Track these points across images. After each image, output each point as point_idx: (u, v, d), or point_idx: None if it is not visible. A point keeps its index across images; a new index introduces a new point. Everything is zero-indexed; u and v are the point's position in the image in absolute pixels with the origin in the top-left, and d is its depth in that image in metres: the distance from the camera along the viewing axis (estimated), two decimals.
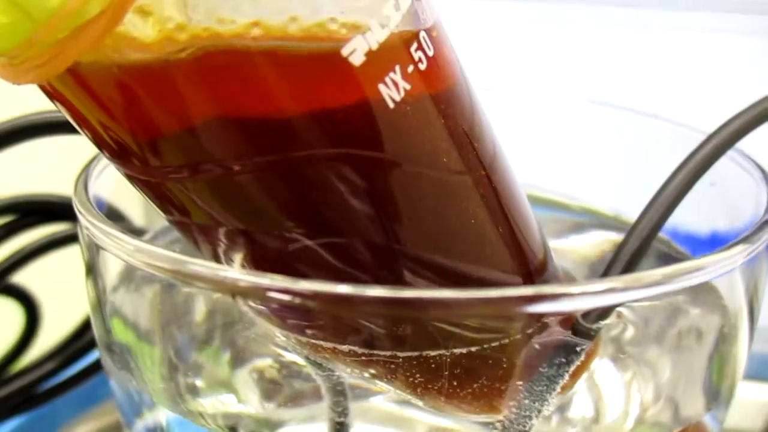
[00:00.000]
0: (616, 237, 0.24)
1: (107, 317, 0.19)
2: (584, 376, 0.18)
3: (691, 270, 0.14)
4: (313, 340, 0.16)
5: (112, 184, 0.20)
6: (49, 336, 0.29)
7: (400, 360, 0.16)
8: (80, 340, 0.29)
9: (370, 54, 0.13)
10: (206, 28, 0.12)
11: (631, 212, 0.24)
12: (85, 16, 0.11)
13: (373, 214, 0.14)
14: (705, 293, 0.17)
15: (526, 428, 0.16)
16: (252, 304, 0.16)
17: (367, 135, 0.13)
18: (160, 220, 0.24)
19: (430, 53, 0.14)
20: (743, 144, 0.19)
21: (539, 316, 0.15)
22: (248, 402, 0.19)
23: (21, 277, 0.27)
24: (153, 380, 0.19)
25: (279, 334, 0.18)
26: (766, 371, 0.31)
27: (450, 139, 0.15)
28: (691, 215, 0.20)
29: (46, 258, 0.27)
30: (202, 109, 0.13)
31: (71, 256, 0.27)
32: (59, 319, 0.29)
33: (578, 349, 0.16)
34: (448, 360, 0.16)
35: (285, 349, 0.19)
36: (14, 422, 0.29)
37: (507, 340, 0.16)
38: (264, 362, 0.20)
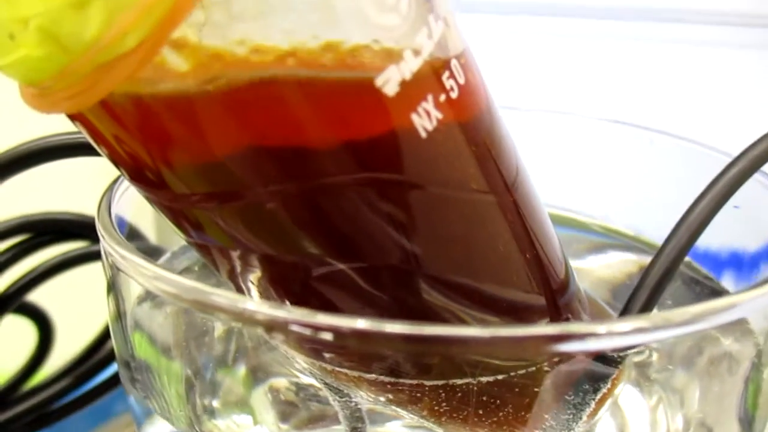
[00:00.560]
0: (636, 258, 0.24)
1: (128, 332, 0.18)
2: (609, 402, 0.18)
3: (725, 308, 0.14)
4: (337, 368, 0.16)
5: (134, 203, 0.20)
6: (62, 354, 0.29)
7: (427, 388, 0.16)
8: (93, 358, 0.29)
9: (403, 84, 0.13)
10: (241, 58, 0.11)
11: (650, 231, 0.24)
12: (122, 49, 0.11)
13: (402, 240, 0.14)
14: (736, 323, 0.16)
15: None
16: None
17: (398, 164, 0.13)
18: (174, 238, 0.24)
19: (461, 81, 0.14)
20: None
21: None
22: (264, 422, 0.19)
23: (34, 295, 0.27)
24: (171, 398, 0.19)
25: (300, 360, 0.18)
26: None
27: (479, 165, 0.15)
28: (710, 233, 0.20)
29: (59, 276, 0.27)
30: (235, 138, 0.12)
31: (85, 274, 0.27)
32: (72, 336, 0.29)
33: (605, 376, 0.16)
34: (475, 388, 0.16)
35: (303, 372, 0.19)
36: None
37: (534, 368, 0.16)
38: (281, 382, 0.20)
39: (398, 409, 0.17)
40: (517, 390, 0.16)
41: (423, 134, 0.13)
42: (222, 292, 0.14)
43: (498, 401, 0.16)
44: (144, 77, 0.11)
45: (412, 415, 0.17)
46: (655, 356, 0.18)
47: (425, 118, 0.13)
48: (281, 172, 0.13)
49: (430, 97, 0.13)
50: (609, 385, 0.17)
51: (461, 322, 0.16)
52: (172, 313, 0.18)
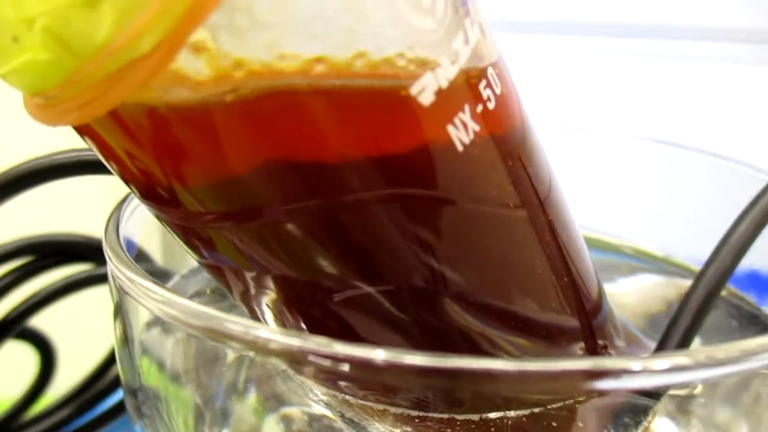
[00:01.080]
0: (667, 281, 0.23)
1: (135, 358, 0.17)
2: None
3: None
4: (360, 401, 0.15)
5: (142, 224, 0.19)
6: (65, 381, 0.28)
7: (458, 423, 0.15)
8: (96, 385, 0.28)
9: (439, 93, 0.12)
10: (266, 65, 0.10)
11: (680, 251, 0.23)
12: (136, 52, 0.10)
13: (434, 261, 0.13)
14: None
15: None
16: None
17: (432, 180, 0.12)
18: (183, 260, 0.23)
19: (498, 91, 0.13)
20: None
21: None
22: None
23: (35, 319, 0.26)
24: (179, 428, 0.18)
25: (318, 392, 0.17)
26: None
27: (515, 181, 0.14)
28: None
29: (62, 300, 0.26)
30: (257, 152, 0.11)
31: (88, 298, 0.26)
32: (75, 363, 0.28)
33: (646, 408, 0.15)
34: (510, 422, 0.15)
35: (317, 402, 0.18)
36: None
37: (572, 401, 0.15)
38: (294, 411, 0.19)
39: None
40: (554, 424, 0.15)
41: (459, 147, 0.12)
42: (236, 319, 0.13)
43: None
44: (159, 85, 0.10)
45: None
46: (699, 388, 0.17)
47: (462, 130, 0.12)
48: (304, 189, 0.12)
49: (467, 108, 0.12)
50: (650, 418, 0.16)
51: (492, 347, 0.15)
52: (182, 339, 0.17)
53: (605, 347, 0.17)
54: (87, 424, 0.27)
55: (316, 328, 0.15)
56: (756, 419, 0.16)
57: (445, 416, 0.15)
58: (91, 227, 0.24)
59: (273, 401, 0.19)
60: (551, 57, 0.36)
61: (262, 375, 0.19)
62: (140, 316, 0.17)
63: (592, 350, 0.17)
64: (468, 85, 0.12)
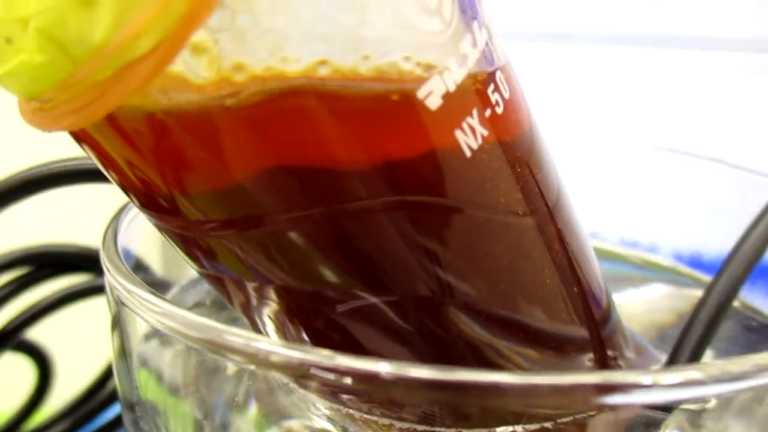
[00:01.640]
0: (674, 290, 0.22)
1: (133, 371, 0.17)
2: None
3: None
4: (365, 415, 0.15)
5: (141, 233, 0.19)
6: (62, 394, 0.28)
7: None
8: (94, 398, 0.27)
9: (447, 96, 0.11)
10: (268, 68, 0.10)
11: (688, 260, 0.22)
12: (134, 53, 0.09)
13: (441, 270, 0.13)
14: None
15: None
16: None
17: (439, 186, 0.12)
18: (182, 271, 0.23)
19: (507, 95, 0.13)
20: None
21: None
22: None
23: (32, 330, 0.26)
24: None
25: (321, 406, 0.17)
26: None
27: (524, 188, 0.13)
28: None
29: (60, 311, 0.26)
30: (257, 158, 0.11)
31: (86, 309, 0.26)
32: (73, 375, 0.28)
33: (658, 422, 0.15)
34: None
35: (319, 416, 0.18)
36: None
37: (583, 415, 0.14)
38: (294, 424, 0.18)
39: None
40: None
41: (467, 153, 0.12)
42: (236, 331, 0.13)
43: None
44: (157, 88, 0.10)
45: None
46: (712, 402, 0.16)
47: (470, 135, 0.12)
48: (308, 196, 0.12)
49: (475, 112, 0.12)
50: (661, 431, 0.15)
51: (500, 358, 0.15)
52: (181, 351, 0.17)
53: (615, 359, 0.17)
54: None
55: (318, 339, 0.15)
56: None
57: (453, 431, 0.14)
58: (89, 236, 0.24)
59: (274, 414, 0.18)
60: (559, 66, 0.36)
61: (263, 388, 0.19)
62: (138, 327, 0.16)
63: (602, 361, 0.16)
64: (476, 88, 0.12)
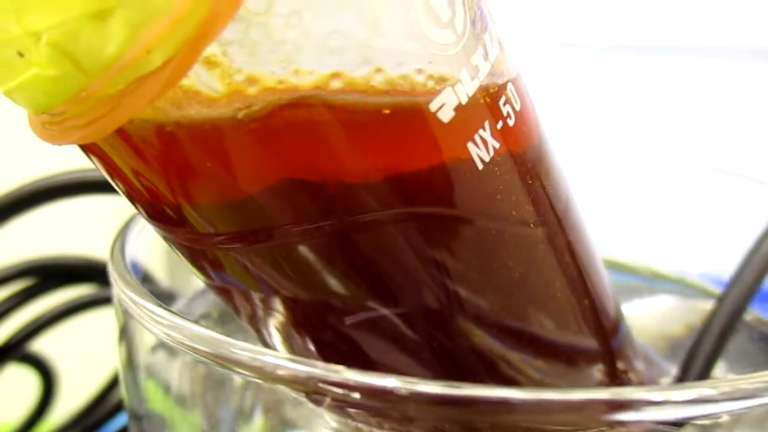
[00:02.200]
0: (684, 303, 0.22)
1: (140, 382, 0.17)
2: None
3: None
4: (375, 429, 0.15)
5: (148, 245, 0.19)
6: (66, 405, 0.28)
7: None
8: (98, 410, 0.27)
9: (459, 109, 0.11)
10: (281, 80, 0.10)
11: (698, 272, 0.22)
12: (147, 67, 0.09)
13: (452, 283, 0.13)
14: None
15: None
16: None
17: (450, 199, 0.12)
18: (188, 282, 0.23)
19: (518, 107, 0.12)
20: None
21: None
22: None
23: (36, 343, 0.26)
24: None
25: (329, 419, 0.16)
26: None
27: (535, 200, 0.13)
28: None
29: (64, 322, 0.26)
30: (269, 170, 0.11)
31: (91, 321, 0.26)
32: (77, 387, 0.28)
33: None
34: None
35: (327, 429, 0.18)
36: None
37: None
38: None
39: None
40: None
41: (479, 165, 0.12)
42: (243, 345, 0.12)
43: None
44: (169, 102, 0.10)
45: None
46: (724, 416, 0.16)
47: (482, 148, 0.12)
48: (318, 209, 0.12)
49: (487, 124, 0.12)
50: None
51: (511, 370, 0.15)
52: (189, 362, 0.17)
53: (625, 371, 0.17)
54: None
55: (326, 351, 0.15)
56: None
57: None
58: (93, 248, 0.24)
59: (280, 426, 0.18)
60: (566, 73, 0.36)
61: (270, 400, 0.19)
62: (145, 339, 0.16)
63: (612, 373, 0.16)
64: (488, 101, 0.12)
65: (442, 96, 0.11)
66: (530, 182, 0.13)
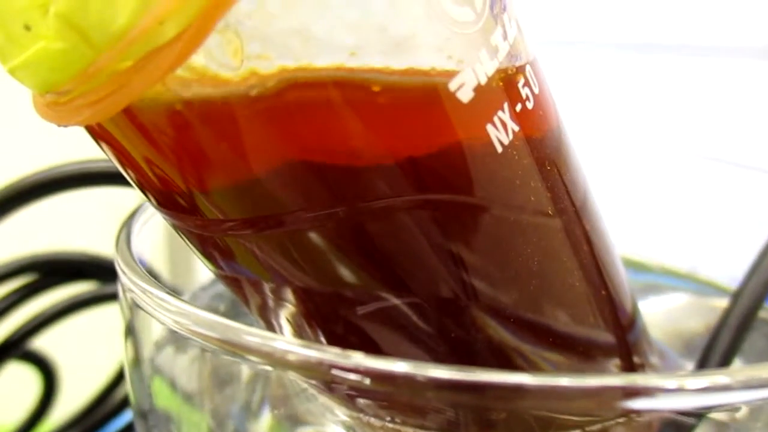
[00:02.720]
0: (697, 299, 0.22)
1: (146, 379, 0.17)
2: None
3: None
4: (387, 423, 0.14)
5: (151, 239, 0.18)
6: (68, 404, 0.27)
7: None
8: (100, 409, 0.27)
9: (479, 89, 0.11)
10: (295, 58, 0.10)
11: (711, 268, 0.22)
12: (157, 41, 0.09)
13: (467, 272, 0.13)
14: None
15: None
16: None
17: (468, 184, 0.12)
18: (190, 279, 0.23)
19: (536, 90, 0.12)
20: None
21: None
22: None
23: (38, 340, 0.25)
24: None
25: (340, 413, 0.16)
26: None
27: (552, 187, 0.13)
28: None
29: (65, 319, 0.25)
30: (281, 152, 0.11)
31: (92, 318, 0.25)
32: (79, 385, 0.27)
33: (689, 426, 0.14)
34: None
35: (336, 423, 0.17)
36: None
37: (612, 423, 0.14)
38: (308, 431, 0.18)
39: None
40: None
41: (498, 148, 0.11)
42: (253, 330, 0.12)
43: None
44: (179, 80, 0.10)
45: None
46: (742, 410, 0.16)
47: (501, 130, 0.11)
48: (331, 194, 0.11)
49: (506, 106, 0.11)
50: None
51: (525, 362, 0.14)
52: (196, 357, 0.17)
53: (642, 365, 0.16)
54: None
55: (337, 342, 0.14)
56: None
57: None
58: (94, 244, 0.24)
59: (288, 422, 0.18)
60: (568, 72, 0.36)
61: (278, 395, 0.18)
62: (153, 333, 0.16)
63: (628, 367, 0.16)
64: (507, 82, 0.12)
65: (461, 76, 0.11)
66: (549, 168, 0.13)
